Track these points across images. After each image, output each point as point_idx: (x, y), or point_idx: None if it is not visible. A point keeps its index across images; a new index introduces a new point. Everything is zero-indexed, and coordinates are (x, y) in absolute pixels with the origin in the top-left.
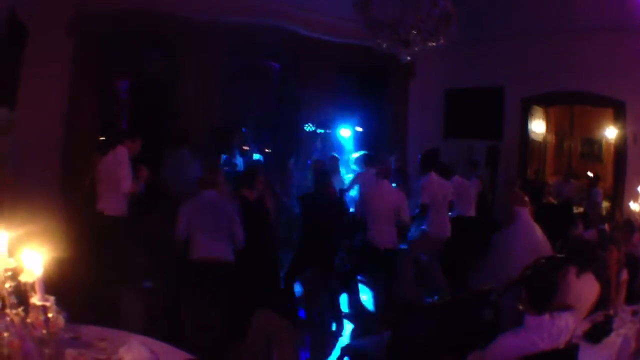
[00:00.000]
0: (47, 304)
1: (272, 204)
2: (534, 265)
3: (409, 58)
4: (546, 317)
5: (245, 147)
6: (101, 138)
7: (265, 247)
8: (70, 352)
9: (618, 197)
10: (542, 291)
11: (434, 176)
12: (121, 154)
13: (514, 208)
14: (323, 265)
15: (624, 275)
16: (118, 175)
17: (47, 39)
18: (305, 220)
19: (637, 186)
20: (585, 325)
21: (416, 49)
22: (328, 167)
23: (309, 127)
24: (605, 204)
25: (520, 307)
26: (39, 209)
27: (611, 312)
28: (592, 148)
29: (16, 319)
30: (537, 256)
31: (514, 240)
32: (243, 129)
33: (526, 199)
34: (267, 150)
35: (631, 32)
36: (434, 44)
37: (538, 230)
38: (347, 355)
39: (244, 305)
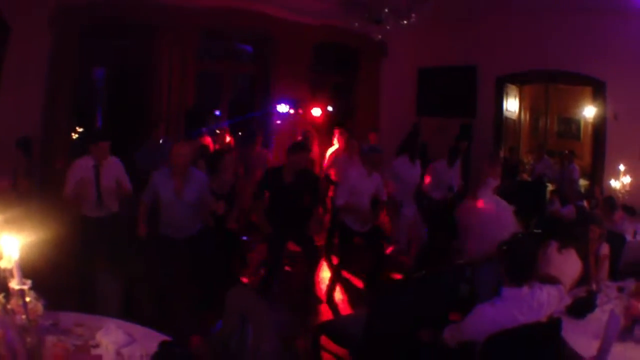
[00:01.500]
0: (25, 287)
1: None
2: (511, 238)
3: (380, 36)
4: (525, 289)
5: (218, 131)
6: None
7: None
8: (50, 339)
9: (597, 175)
10: (521, 262)
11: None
12: (113, 161)
13: (487, 179)
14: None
15: (605, 249)
16: (119, 180)
17: (25, 33)
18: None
19: (618, 164)
20: (568, 301)
21: (388, 27)
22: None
23: (282, 108)
24: (583, 182)
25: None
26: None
27: (593, 286)
28: (570, 126)
29: None
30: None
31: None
32: (216, 112)
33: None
34: (239, 132)
35: (609, 12)
36: (406, 22)
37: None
38: (324, 334)
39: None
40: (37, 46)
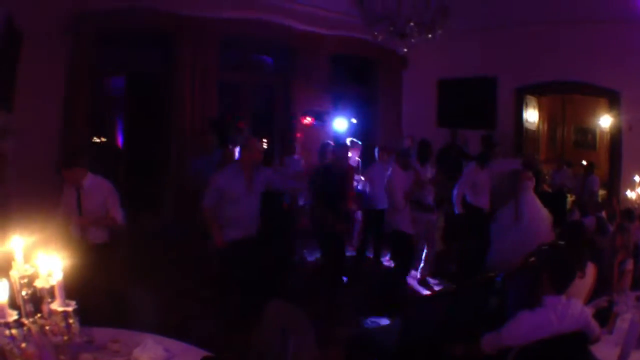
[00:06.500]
0: (69, 309)
1: None
2: (539, 250)
3: (405, 50)
4: (563, 297)
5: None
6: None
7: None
8: (85, 357)
9: (614, 185)
10: (564, 272)
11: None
12: (99, 183)
13: (526, 182)
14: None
15: (630, 264)
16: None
17: (42, 41)
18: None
19: (634, 174)
20: (590, 311)
21: (413, 40)
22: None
23: (306, 121)
24: (600, 192)
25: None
26: (37, 211)
27: (615, 297)
28: (586, 136)
29: (34, 328)
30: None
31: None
32: (240, 124)
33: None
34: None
35: (624, 22)
36: (430, 35)
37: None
38: (358, 344)
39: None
40: (53, 53)
